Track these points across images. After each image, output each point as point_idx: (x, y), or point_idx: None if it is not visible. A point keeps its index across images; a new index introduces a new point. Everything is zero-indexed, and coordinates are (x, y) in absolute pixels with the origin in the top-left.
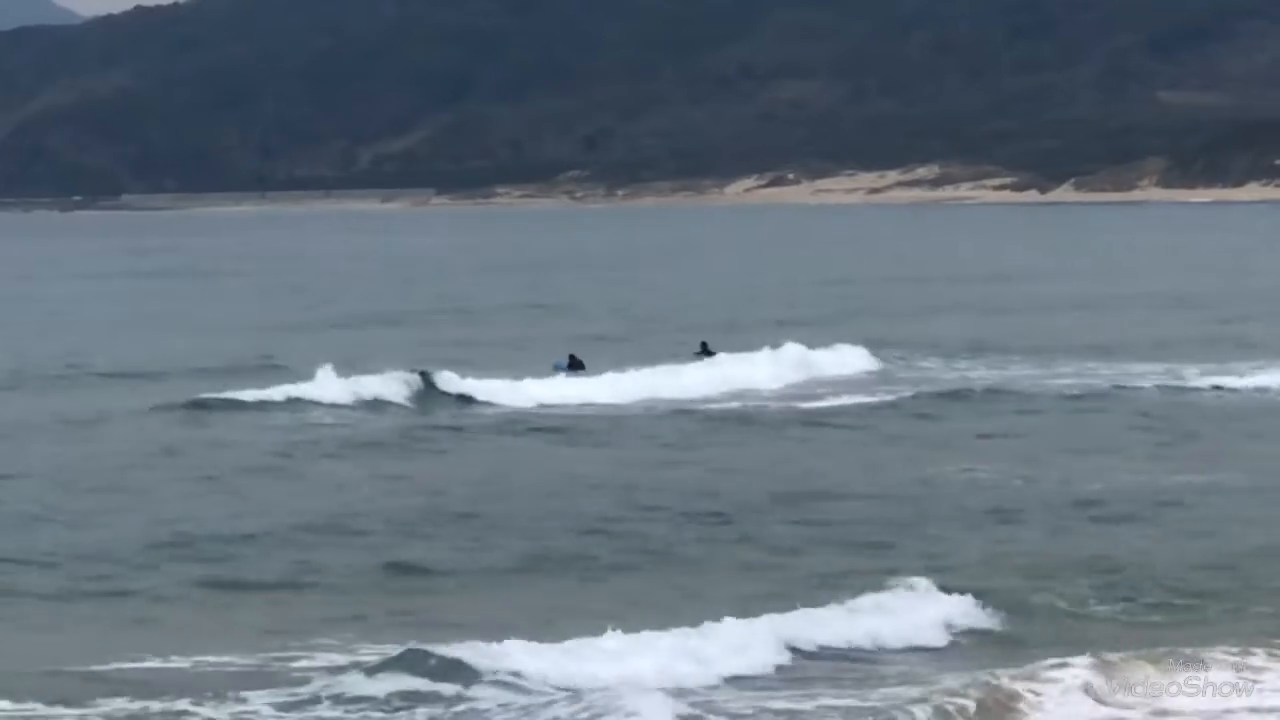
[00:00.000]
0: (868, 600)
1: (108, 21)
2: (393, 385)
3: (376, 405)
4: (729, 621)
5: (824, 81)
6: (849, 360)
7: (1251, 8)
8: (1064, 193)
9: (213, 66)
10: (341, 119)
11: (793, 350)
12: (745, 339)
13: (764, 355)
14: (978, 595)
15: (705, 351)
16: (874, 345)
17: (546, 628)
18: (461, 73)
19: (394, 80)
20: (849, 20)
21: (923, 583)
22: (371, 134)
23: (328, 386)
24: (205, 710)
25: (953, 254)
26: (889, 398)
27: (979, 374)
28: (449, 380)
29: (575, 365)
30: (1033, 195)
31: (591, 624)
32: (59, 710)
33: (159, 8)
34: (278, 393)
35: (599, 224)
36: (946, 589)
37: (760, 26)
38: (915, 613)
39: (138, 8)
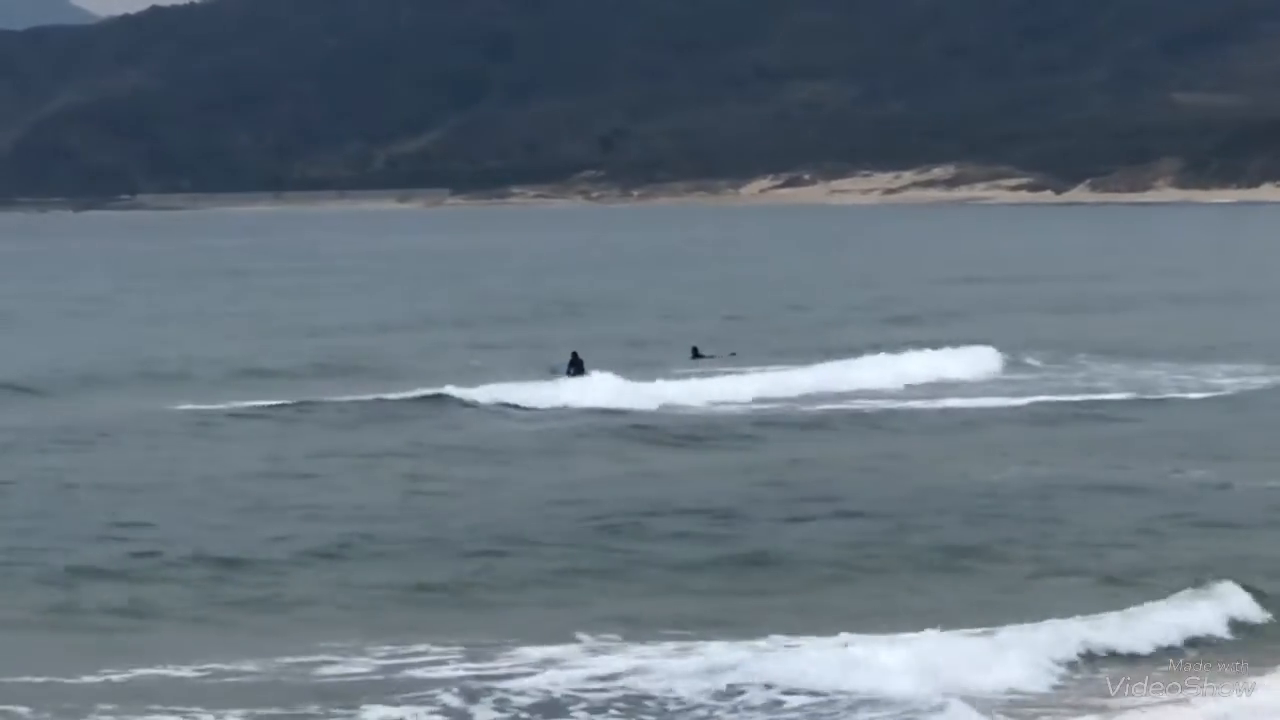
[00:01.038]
0: (1164, 603)
1: (123, 21)
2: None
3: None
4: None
5: (838, 82)
6: (981, 361)
7: (1267, 8)
8: (1079, 193)
9: (228, 67)
10: (356, 119)
11: (978, 351)
12: (903, 335)
13: (958, 353)
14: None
15: (696, 355)
16: (1003, 346)
17: (854, 626)
18: (476, 73)
19: (409, 81)
20: (862, 21)
21: (1226, 585)
22: (386, 134)
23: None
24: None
25: (1032, 253)
26: (1055, 398)
27: (1146, 375)
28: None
29: (577, 366)
30: (1048, 196)
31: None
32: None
33: (174, 8)
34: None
35: (636, 223)
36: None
37: (774, 27)
38: (1203, 613)
39: (153, 8)
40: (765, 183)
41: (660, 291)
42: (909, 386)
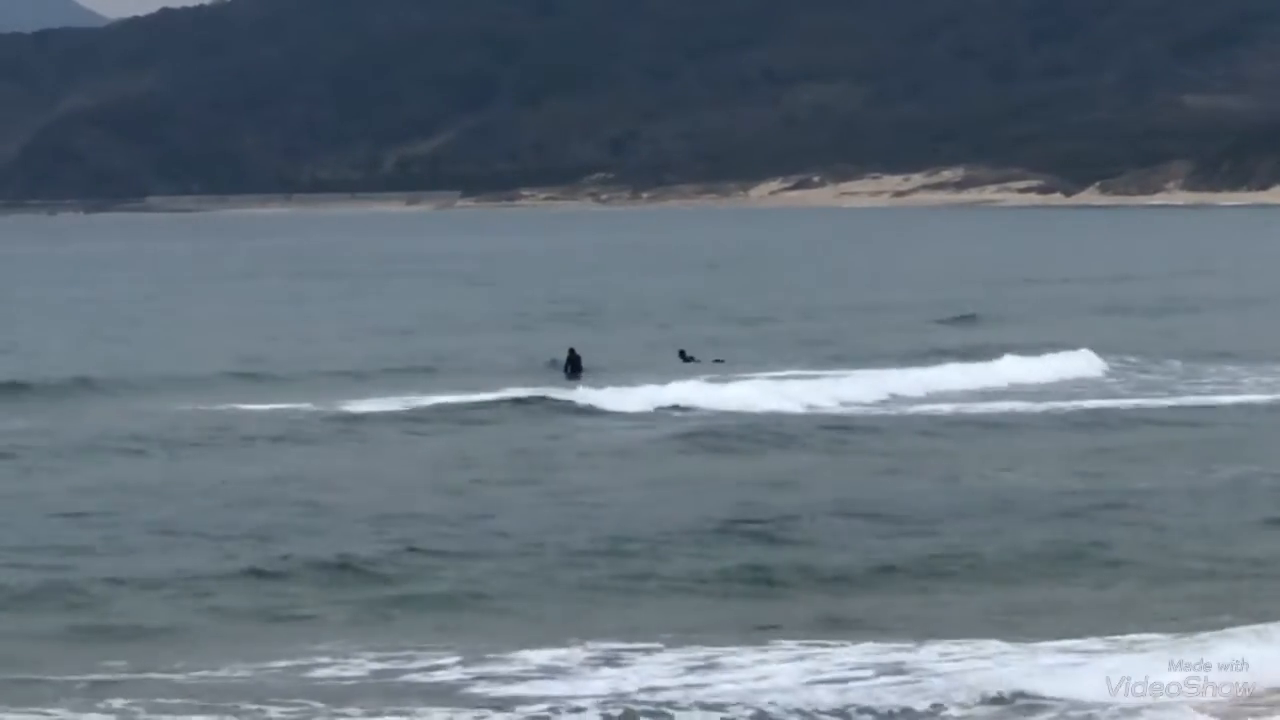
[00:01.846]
0: None
1: (133, 24)
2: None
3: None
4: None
5: (847, 85)
6: (1079, 364)
7: (1276, 11)
8: (1089, 196)
9: (238, 69)
10: (366, 122)
11: (1079, 355)
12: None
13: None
14: None
15: (684, 358)
16: (1098, 349)
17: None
18: (486, 76)
19: (418, 83)
20: (872, 23)
21: None
22: (396, 137)
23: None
24: None
25: (1082, 254)
26: (1178, 402)
27: (1252, 379)
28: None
29: (574, 364)
30: (1057, 198)
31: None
32: None
33: (184, 10)
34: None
35: (669, 224)
36: None
37: (783, 29)
38: None
39: (163, 10)
40: (775, 185)
41: (726, 292)
42: (1026, 388)
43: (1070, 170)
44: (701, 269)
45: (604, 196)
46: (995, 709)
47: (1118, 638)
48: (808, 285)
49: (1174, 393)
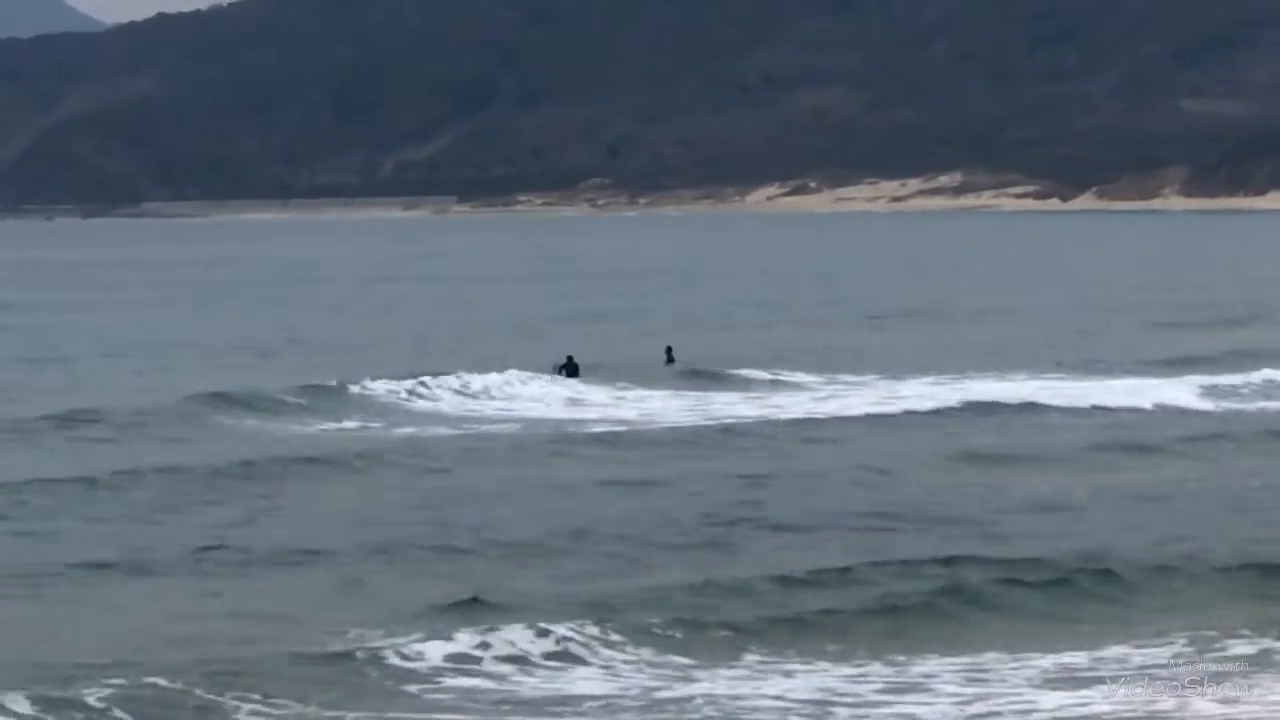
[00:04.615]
0: None
1: (130, 29)
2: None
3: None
4: None
5: (845, 89)
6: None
7: (1275, 16)
8: (1086, 201)
9: (235, 74)
10: (363, 126)
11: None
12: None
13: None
14: None
15: (670, 359)
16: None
17: None
18: (483, 80)
19: (416, 88)
20: (870, 28)
21: None
22: (393, 142)
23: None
24: None
25: (1148, 261)
26: None
27: None
28: None
29: (571, 369)
30: (1054, 204)
31: None
32: None
33: (181, 15)
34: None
35: (699, 230)
36: None
37: (780, 34)
38: None
39: (160, 15)
40: (772, 190)
41: (948, 298)
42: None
43: (1067, 175)
44: (887, 272)
45: (600, 202)
46: None
47: None
48: (1019, 286)
49: None
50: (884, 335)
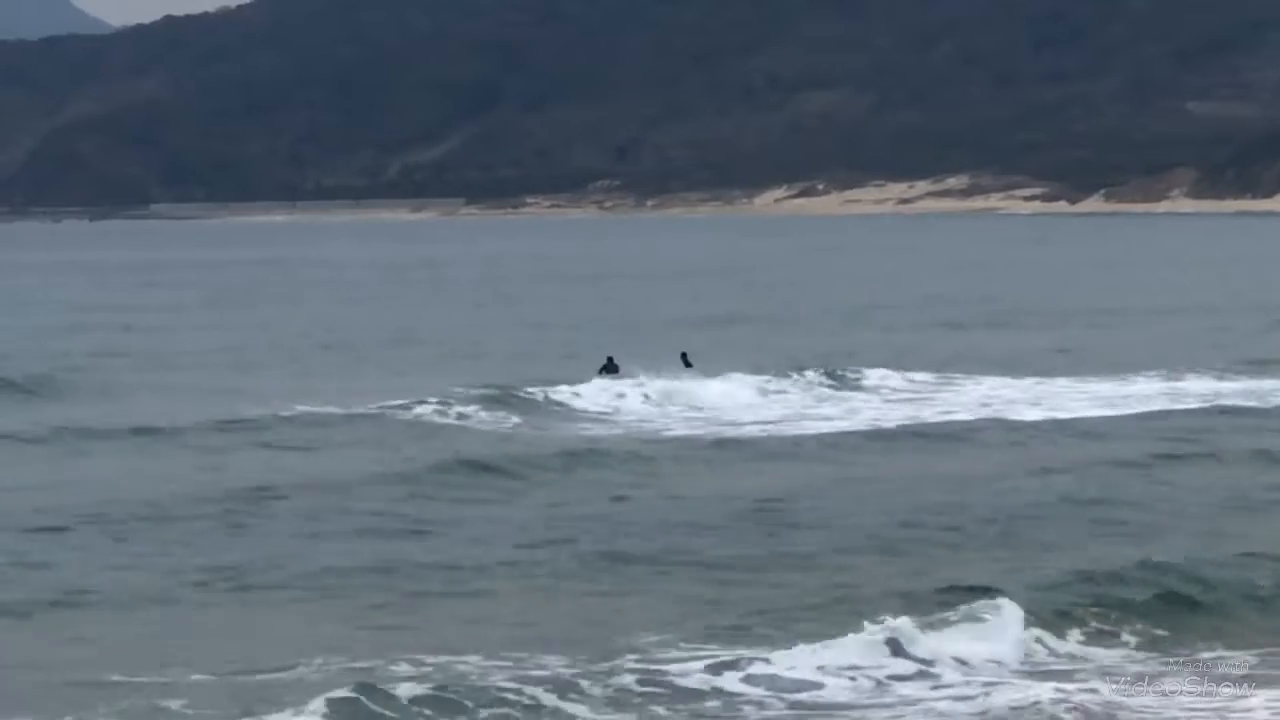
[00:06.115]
0: None
1: (138, 31)
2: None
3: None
4: None
5: (851, 92)
6: None
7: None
8: (1094, 203)
9: (242, 76)
10: (370, 129)
11: None
12: None
13: None
14: None
15: (686, 363)
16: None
17: None
18: (490, 82)
19: (423, 90)
20: (875, 31)
21: None
22: (400, 144)
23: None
24: None
25: (1206, 264)
26: None
27: None
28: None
29: (611, 369)
30: (1062, 206)
31: None
32: None
33: (189, 17)
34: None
35: (728, 231)
36: None
37: (787, 37)
38: None
39: (167, 17)
40: (779, 193)
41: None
42: None
43: (1074, 178)
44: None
45: (608, 204)
46: None
47: None
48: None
49: None
50: (1109, 333)
